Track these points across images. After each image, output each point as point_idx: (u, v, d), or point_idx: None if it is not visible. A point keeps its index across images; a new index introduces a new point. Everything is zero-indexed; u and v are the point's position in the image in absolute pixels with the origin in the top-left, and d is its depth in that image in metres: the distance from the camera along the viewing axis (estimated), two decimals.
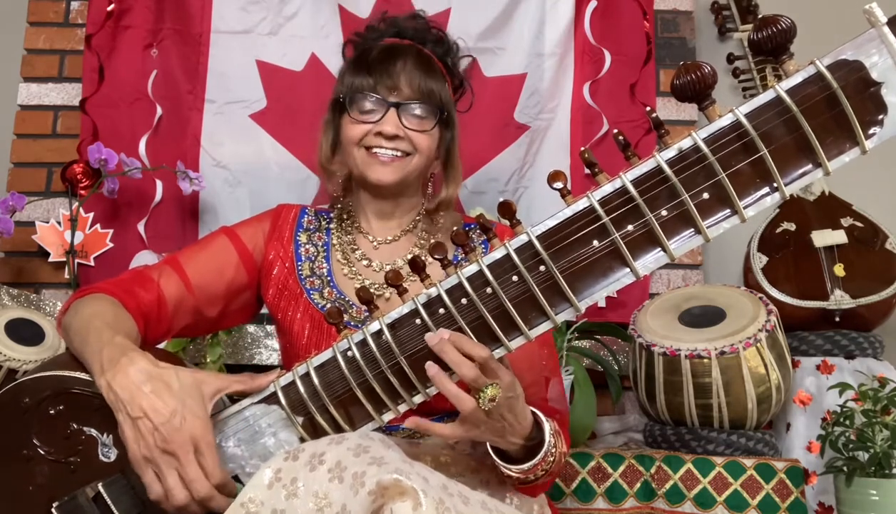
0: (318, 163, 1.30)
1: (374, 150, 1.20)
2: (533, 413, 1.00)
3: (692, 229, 0.82)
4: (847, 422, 1.61)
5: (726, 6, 2.38)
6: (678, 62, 2.33)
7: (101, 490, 0.93)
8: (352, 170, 1.26)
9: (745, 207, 0.80)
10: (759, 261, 2.04)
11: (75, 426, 0.96)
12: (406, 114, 1.20)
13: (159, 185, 2.15)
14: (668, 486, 1.58)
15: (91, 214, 2.12)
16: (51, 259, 2.10)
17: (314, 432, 0.95)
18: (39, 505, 0.94)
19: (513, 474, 1.00)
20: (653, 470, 1.60)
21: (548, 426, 1.00)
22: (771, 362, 1.64)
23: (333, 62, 2.20)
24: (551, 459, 1.01)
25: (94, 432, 0.96)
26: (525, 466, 1.00)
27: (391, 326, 0.91)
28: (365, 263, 1.24)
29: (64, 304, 1.11)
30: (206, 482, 0.88)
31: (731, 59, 2.33)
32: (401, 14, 1.33)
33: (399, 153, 1.20)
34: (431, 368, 0.88)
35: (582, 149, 0.84)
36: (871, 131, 0.76)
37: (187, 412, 0.89)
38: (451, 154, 1.29)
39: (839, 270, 1.94)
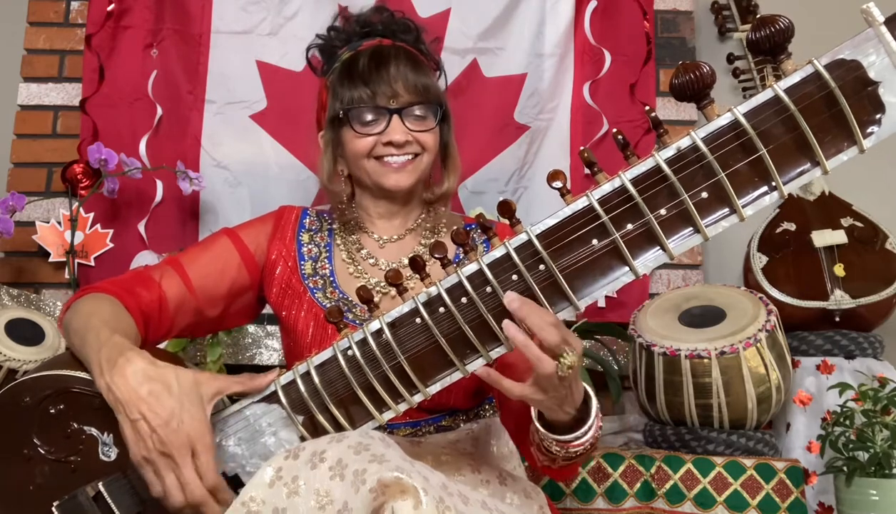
0: (321, 183, 1.28)
1: (386, 159, 1.20)
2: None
3: (691, 228, 0.82)
4: (847, 422, 1.61)
5: (726, 6, 2.39)
6: (678, 62, 2.33)
7: (102, 489, 0.93)
8: (362, 180, 1.24)
9: (743, 207, 0.80)
10: (759, 261, 2.04)
11: (76, 426, 0.96)
12: (409, 117, 1.19)
13: (159, 185, 2.16)
14: (668, 486, 1.58)
15: (91, 215, 2.12)
16: (51, 259, 2.11)
17: (314, 431, 0.94)
18: (40, 504, 0.94)
19: (570, 446, 0.95)
20: (653, 470, 1.60)
21: (594, 397, 0.97)
22: (771, 362, 1.64)
23: None
24: (598, 432, 0.98)
25: (94, 431, 0.96)
26: (580, 433, 0.94)
27: (391, 325, 0.91)
28: (371, 261, 1.24)
29: (65, 304, 1.11)
30: (200, 485, 0.88)
31: (731, 59, 2.33)
32: (364, 11, 1.29)
33: (410, 156, 1.20)
34: (510, 327, 0.86)
35: (581, 148, 0.84)
36: (868, 130, 0.76)
37: (185, 414, 0.89)
38: (449, 146, 1.28)
39: (839, 270, 1.94)
